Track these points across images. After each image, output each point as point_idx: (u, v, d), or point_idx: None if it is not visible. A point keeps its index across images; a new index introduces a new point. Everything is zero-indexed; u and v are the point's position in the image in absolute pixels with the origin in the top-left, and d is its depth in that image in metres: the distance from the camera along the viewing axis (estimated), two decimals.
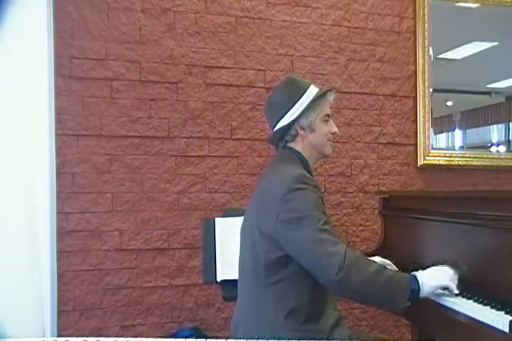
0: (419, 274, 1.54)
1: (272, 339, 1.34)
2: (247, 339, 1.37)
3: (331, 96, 1.71)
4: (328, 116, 1.72)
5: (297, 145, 1.70)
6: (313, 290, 1.55)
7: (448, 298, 1.57)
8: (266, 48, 2.89)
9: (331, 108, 1.75)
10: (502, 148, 3.34)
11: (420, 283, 1.49)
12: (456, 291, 1.57)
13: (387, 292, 1.46)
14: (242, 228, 1.75)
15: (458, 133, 3.28)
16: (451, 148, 3.24)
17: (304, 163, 1.69)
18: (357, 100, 3.03)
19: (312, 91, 1.68)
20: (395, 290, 1.46)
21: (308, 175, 1.63)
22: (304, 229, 1.48)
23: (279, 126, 1.68)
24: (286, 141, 1.70)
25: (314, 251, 1.46)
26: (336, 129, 1.73)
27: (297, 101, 1.65)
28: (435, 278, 1.55)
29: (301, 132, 1.67)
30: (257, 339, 1.37)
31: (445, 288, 1.57)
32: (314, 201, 1.54)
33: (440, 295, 1.59)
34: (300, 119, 1.65)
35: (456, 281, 1.57)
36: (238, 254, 1.76)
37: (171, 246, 2.72)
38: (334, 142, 1.78)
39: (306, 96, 1.66)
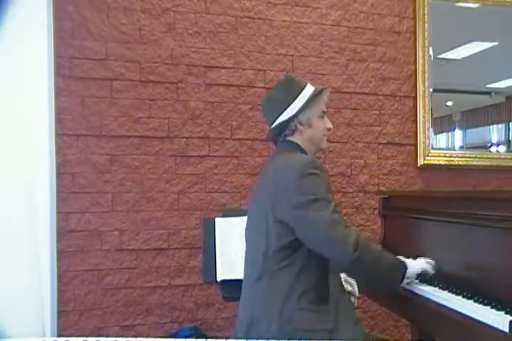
0: (408, 261, 1.69)
1: (272, 339, 1.35)
2: (247, 339, 1.38)
3: (326, 95, 1.82)
4: (324, 112, 1.81)
5: (296, 139, 1.78)
6: (319, 272, 1.63)
7: (449, 298, 1.57)
8: (266, 48, 2.89)
9: (329, 108, 1.83)
10: (502, 148, 3.34)
11: (408, 270, 1.66)
12: (432, 272, 1.73)
13: (387, 274, 1.66)
14: (248, 223, 1.80)
15: (458, 133, 3.28)
16: (451, 148, 3.24)
17: (303, 153, 1.77)
18: (357, 100, 3.03)
19: (309, 89, 1.78)
20: (393, 276, 1.66)
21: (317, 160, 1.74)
22: (319, 211, 1.57)
23: (278, 121, 1.76)
24: (286, 136, 1.78)
25: (331, 232, 1.55)
26: (330, 125, 1.83)
27: (296, 97, 1.75)
28: (416, 266, 1.71)
29: (299, 127, 1.76)
30: (257, 339, 1.38)
31: (420, 275, 1.71)
32: (326, 185, 1.65)
33: (440, 293, 1.60)
34: (299, 115, 1.74)
35: (433, 267, 1.75)
36: (242, 253, 1.78)
37: (171, 246, 2.72)
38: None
39: (304, 94, 1.76)
